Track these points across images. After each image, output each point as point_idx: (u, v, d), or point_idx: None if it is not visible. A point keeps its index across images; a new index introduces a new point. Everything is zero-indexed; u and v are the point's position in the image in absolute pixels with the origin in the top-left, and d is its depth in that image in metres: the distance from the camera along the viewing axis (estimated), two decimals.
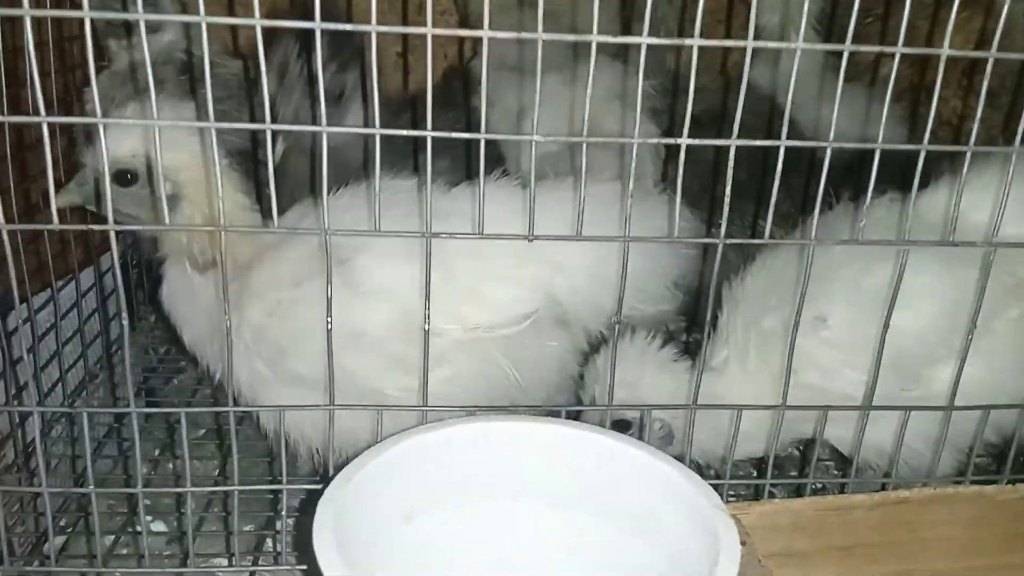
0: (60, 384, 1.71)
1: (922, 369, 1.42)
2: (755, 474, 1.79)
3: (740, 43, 1.03)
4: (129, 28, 1.87)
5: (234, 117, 1.86)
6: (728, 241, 1.14)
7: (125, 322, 1.14)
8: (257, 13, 0.98)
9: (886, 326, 1.23)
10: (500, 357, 1.43)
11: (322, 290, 1.13)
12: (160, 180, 1.15)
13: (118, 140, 1.35)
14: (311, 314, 1.26)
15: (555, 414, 1.32)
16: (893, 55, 1.06)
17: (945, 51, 1.07)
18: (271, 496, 1.63)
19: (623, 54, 1.98)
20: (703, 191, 1.66)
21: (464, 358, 1.42)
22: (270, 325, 1.40)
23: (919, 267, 1.23)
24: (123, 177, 1.40)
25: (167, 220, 1.17)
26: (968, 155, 1.15)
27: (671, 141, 1.09)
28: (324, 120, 1.03)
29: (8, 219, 1.08)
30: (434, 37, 0.99)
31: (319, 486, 1.06)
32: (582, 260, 1.43)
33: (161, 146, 1.08)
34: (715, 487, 1.10)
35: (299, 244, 1.40)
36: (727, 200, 1.11)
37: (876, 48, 1.09)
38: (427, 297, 1.15)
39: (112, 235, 1.11)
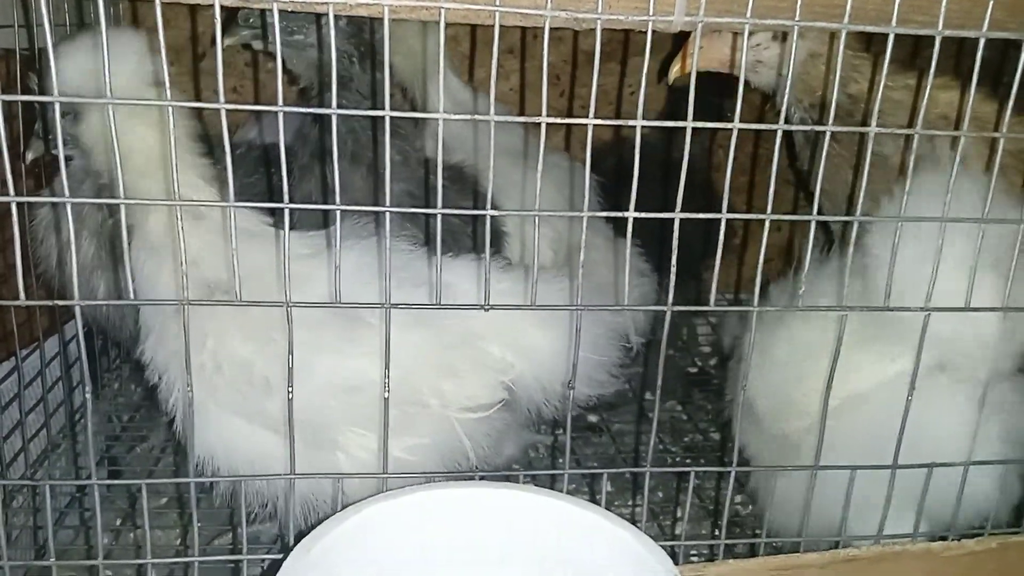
0: (23, 454, 1.71)
1: None
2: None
3: (680, 123, 1.10)
4: None
5: None
6: (675, 308, 1.19)
7: (88, 394, 1.16)
8: (222, 98, 1.03)
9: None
10: (463, 436, 1.46)
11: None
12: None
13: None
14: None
15: (513, 478, 1.34)
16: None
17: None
18: (232, 566, 1.63)
19: None
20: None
21: (430, 431, 1.45)
22: (255, 360, 1.34)
23: None
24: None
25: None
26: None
27: (618, 215, 1.15)
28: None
29: None
30: None
31: (280, 556, 1.07)
32: (547, 346, 1.46)
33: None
34: (671, 547, 1.13)
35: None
36: (673, 269, 1.16)
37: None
38: (387, 365, 1.18)
39: (77, 310, 1.13)
